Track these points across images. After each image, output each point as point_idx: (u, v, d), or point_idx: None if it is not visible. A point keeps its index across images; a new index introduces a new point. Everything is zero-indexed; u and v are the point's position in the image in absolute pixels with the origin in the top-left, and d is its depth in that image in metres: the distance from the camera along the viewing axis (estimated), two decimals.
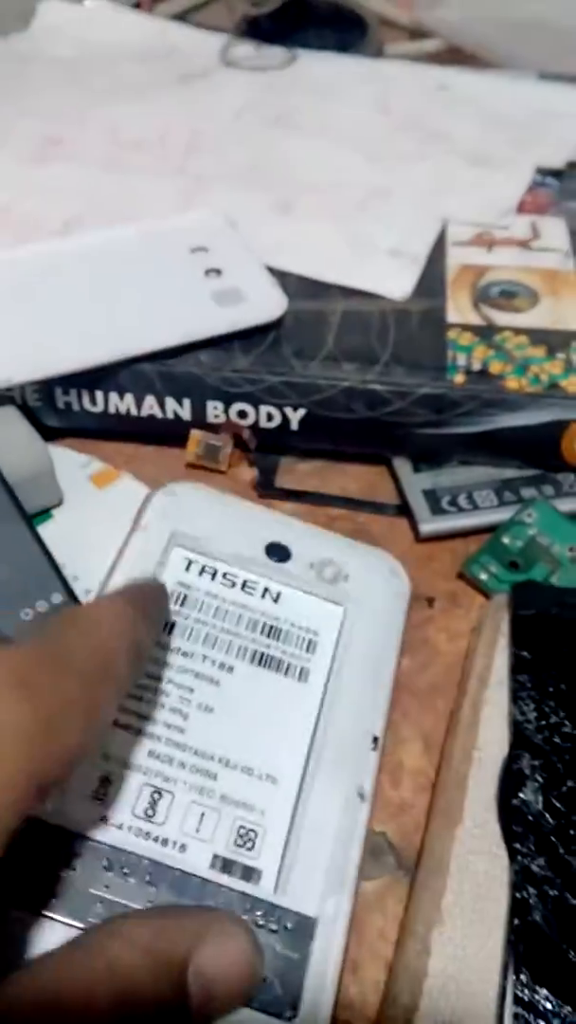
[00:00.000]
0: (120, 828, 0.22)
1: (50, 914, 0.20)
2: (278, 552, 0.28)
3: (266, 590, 0.27)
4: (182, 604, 0.26)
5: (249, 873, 0.22)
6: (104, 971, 0.15)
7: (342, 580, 0.27)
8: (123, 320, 0.34)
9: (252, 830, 0.22)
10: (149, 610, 0.22)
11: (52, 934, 0.20)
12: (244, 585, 0.27)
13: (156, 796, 0.22)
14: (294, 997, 0.20)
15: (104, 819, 0.22)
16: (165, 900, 0.21)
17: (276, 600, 0.27)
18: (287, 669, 0.25)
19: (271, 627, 0.26)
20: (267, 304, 0.34)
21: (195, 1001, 0.16)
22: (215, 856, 0.22)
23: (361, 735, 0.24)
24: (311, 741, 0.24)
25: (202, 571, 0.27)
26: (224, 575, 0.27)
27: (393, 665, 0.26)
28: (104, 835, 0.21)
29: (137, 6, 0.62)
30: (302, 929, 0.21)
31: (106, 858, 0.21)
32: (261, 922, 0.21)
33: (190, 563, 0.27)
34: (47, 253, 0.37)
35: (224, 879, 0.21)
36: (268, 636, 0.26)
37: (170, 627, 0.25)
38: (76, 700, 0.17)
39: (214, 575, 0.27)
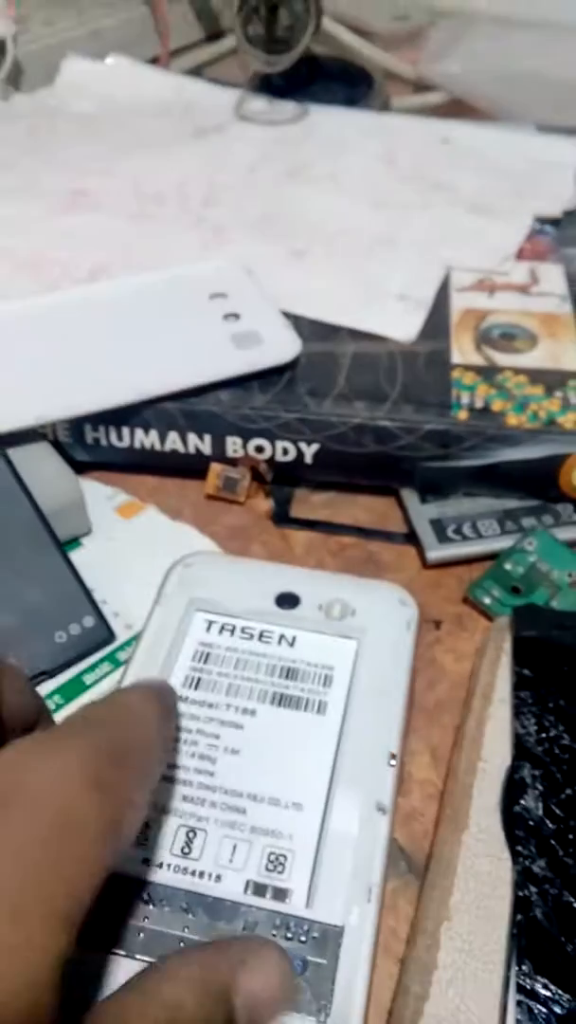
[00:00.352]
0: (160, 867, 0.24)
1: (96, 948, 0.22)
2: (288, 600, 0.30)
3: (281, 636, 0.29)
4: (205, 662, 0.28)
5: (280, 893, 0.23)
6: (161, 1010, 0.17)
7: (350, 616, 0.29)
8: (148, 362, 0.36)
9: (282, 855, 0.24)
10: (171, 709, 0.23)
11: (98, 965, 0.22)
12: (261, 635, 0.29)
13: (191, 835, 0.24)
14: (325, 999, 0.21)
15: (146, 861, 0.24)
16: (201, 924, 0.22)
17: (292, 644, 0.29)
18: (306, 705, 0.27)
19: (288, 669, 0.28)
20: (282, 346, 0.37)
21: (243, 1022, 0.18)
22: (248, 881, 0.23)
23: (379, 753, 0.26)
24: (332, 765, 0.26)
25: (221, 629, 0.29)
26: (242, 629, 0.29)
27: (406, 685, 0.28)
28: (145, 874, 0.23)
29: (155, 62, 0.66)
30: (330, 938, 0.22)
31: (146, 893, 0.23)
32: (291, 935, 0.22)
33: (210, 624, 0.29)
34: (76, 298, 0.39)
35: (257, 901, 0.23)
36: (286, 678, 0.28)
37: (196, 682, 0.28)
38: (134, 799, 0.18)
39: (232, 631, 0.29)
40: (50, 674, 0.29)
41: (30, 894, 0.15)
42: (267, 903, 0.23)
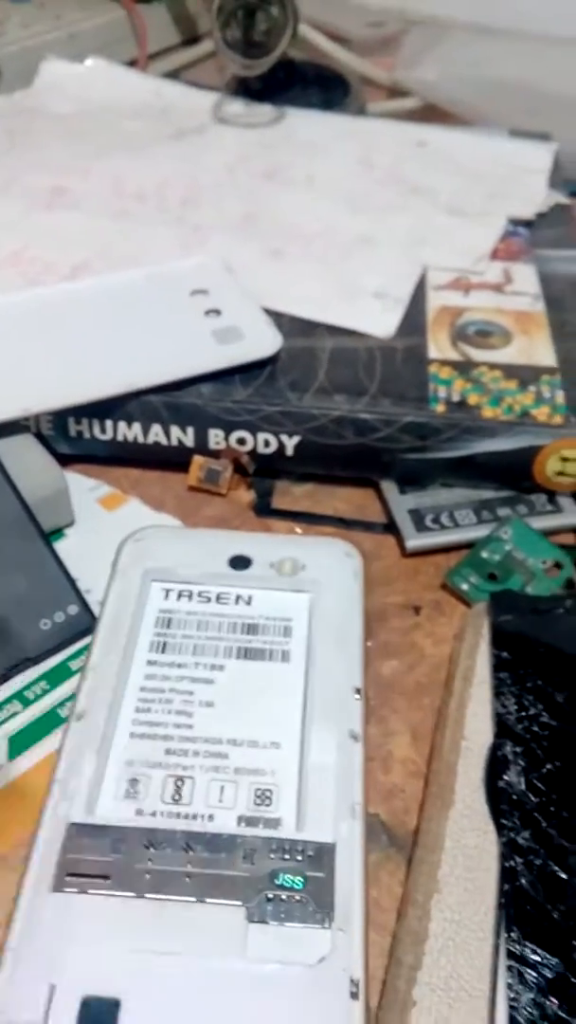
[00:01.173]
0: (154, 815, 0.25)
1: (108, 892, 0.23)
2: (241, 562, 0.32)
3: (238, 596, 0.31)
4: (168, 627, 0.30)
5: (272, 823, 0.25)
6: None
7: (301, 571, 0.31)
8: (130, 356, 0.36)
9: (267, 789, 0.25)
10: None
11: (113, 907, 0.23)
12: (218, 598, 0.31)
13: (179, 783, 0.26)
14: (328, 907, 0.23)
15: (139, 812, 0.25)
16: (202, 858, 0.24)
17: (249, 603, 0.31)
18: (270, 655, 0.29)
19: (249, 625, 0.30)
20: (263, 341, 0.37)
21: None
22: (240, 817, 0.25)
23: (345, 689, 0.28)
24: (303, 705, 0.28)
25: (179, 596, 0.31)
26: (199, 594, 0.31)
27: (360, 628, 0.30)
28: (141, 823, 0.25)
29: (133, 65, 0.67)
30: (324, 853, 0.24)
31: (146, 839, 0.24)
32: (287, 857, 0.24)
33: (167, 592, 0.31)
34: (60, 294, 0.40)
35: (251, 831, 0.24)
36: (248, 633, 0.30)
37: (163, 646, 0.29)
38: None
39: (190, 596, 0.31)
40: (34, 660, 0.30)
41: None
42: (261, 831, 0.24)
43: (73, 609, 0.31)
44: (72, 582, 0.31)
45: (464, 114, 0.62)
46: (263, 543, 0.33)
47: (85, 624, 0.31)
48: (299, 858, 0.24)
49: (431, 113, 0.63)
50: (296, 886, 0.23)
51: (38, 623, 0.30)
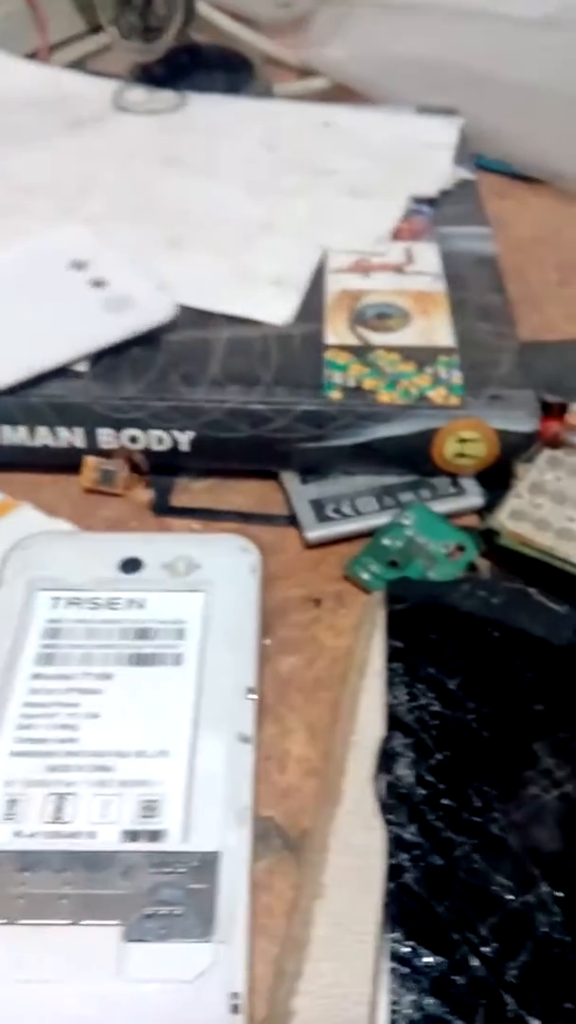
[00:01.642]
0: (32, 836, 0.24)
1: None
2: (131, 565, 0.31)
3: (131, 601, 0.30)
4: (55, 637, 0.29)
5: (155, 835, 0.24)
6: None
7: (195, 570, 0.30)
8: (15, 343, 0.35)
9: (153, 800, 0.25)
10: None
11: None
12: (109, 603, 0.30)
13: (61, 801, 0.25)
14: (209, 920, 0.22)
15: (17, 833, 0.24)
16: (79, 878, 0.23)
17: (142, 606, 0.30)
18: (162, 660, 0.28)
19: (140, 630, 0.29)
20: (157, 307, 0.37)
21: None
22: (124, 832, 0.24)
23: (237, 690, 0.27)
24: (194, 709, 0.27)
25: (68, 604, 0.30)
26: (90, 601, 0.30)
27: (256, 625, 0.29)
28: (16, 846, 0.24)
29: (34, 56, 0.65)
30: (208, 863, 0.23)
31: (21, 863, 0.23)
32: (169, 870, 0.23)
33: (56, 600, 0.30)
34: None
35: (133, 846, 0.24)
36: (139, 638, 0.29)
37: (49, 658, 0.28)
38: None
39: (79, 604, 0.30)
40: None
41: None
42: (143, 846, 0.23)
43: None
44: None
45: (372, 93, 0.61)
46: (155, 543, 0.32)
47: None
48: (182, 869, 0.23)
49: (340, 93, 0.62)
50: (176, 901, 0.22)
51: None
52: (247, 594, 0.30)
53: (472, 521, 0.35)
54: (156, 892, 0.23)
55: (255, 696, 0.27)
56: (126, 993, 0.21)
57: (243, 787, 0.25)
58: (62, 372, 0.35)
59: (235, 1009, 0.21)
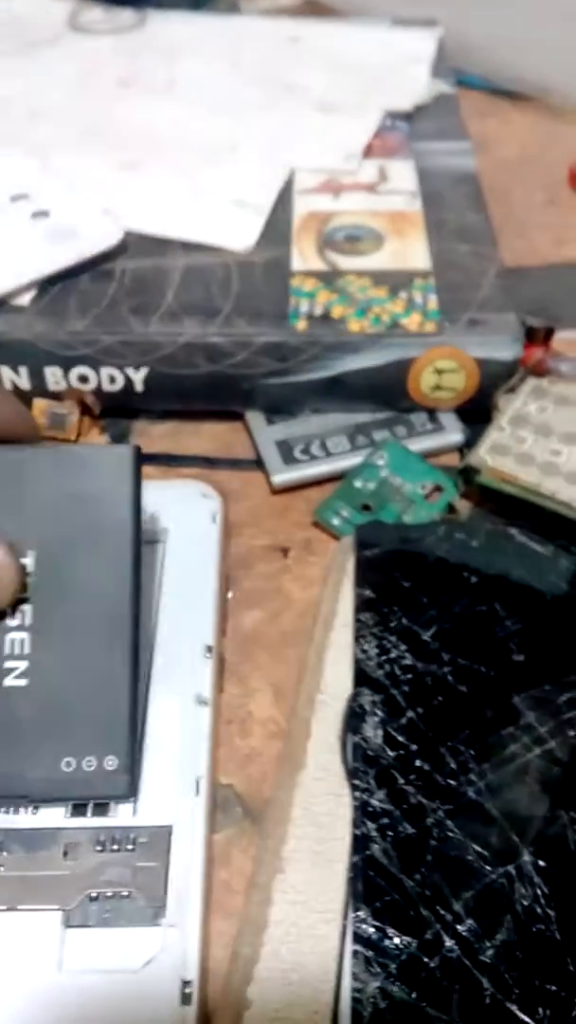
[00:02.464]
0: None
1: None
2: None
3: None
4: None
5: (103, 808, 0.22)
6: None
7: (152, 520, 0.28)
8: None
9: None
10: None
11: None
12: None
13: None
14: (159, 902, 0.20)
15: None
16: (18, 858, 0.21)
17: None
18: None
19: None
20: (103, 233, 0.34)
21: None
22: (68, 805, 0.22)
23: (193, 648, 0.25)
24: (147, 670, 0.24)
25: None
26: None
27: (216, 578, 0.27)
28: None
29: None
30: (158, 839, 0.21)
31: None
32: (117, 847, 0.21)
33: None
34: None
35: (78, 822, 0.21)
36: None
37: None
38: None
39: None
40: (31, 801, 0.22)
41: None
42: (89, 821, 0.21)
43: (111, 763, 0.22)
44: (133, 727, 0.22)
45: (344, 7, 0.57)
46: None
47: (118, 790, 0.21)
48: (130, 846, 0.21)
49: (310, 8, 0.58)
50: (123, 880, 0.20)
51: (61, 759, 0.22)
52: (207, 544, 0.28)
53: (452, 460, 0.32)
54: (101, 872, 0.20)
55: (213, 655, 0.25)
56: (67, 985, 0.19)
57: (199, 754, 0.23)
58: (3, 307, 0.32)
59: (186, 999, 0.19)
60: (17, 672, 0.22)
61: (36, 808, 0.22)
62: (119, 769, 0.21)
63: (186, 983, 0.19)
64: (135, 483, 0.23)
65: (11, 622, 0.22)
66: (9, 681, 0.22)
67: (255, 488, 0.32)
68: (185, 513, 0.28)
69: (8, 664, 0.22)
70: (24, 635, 0.22)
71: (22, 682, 0.22)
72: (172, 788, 0.22)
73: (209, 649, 0.25)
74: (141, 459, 0.23)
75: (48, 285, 0.33)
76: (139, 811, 0.22)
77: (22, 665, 0.22)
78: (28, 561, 0.22)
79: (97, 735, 0.22)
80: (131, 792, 0.21)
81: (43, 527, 0.22)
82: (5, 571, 0.21)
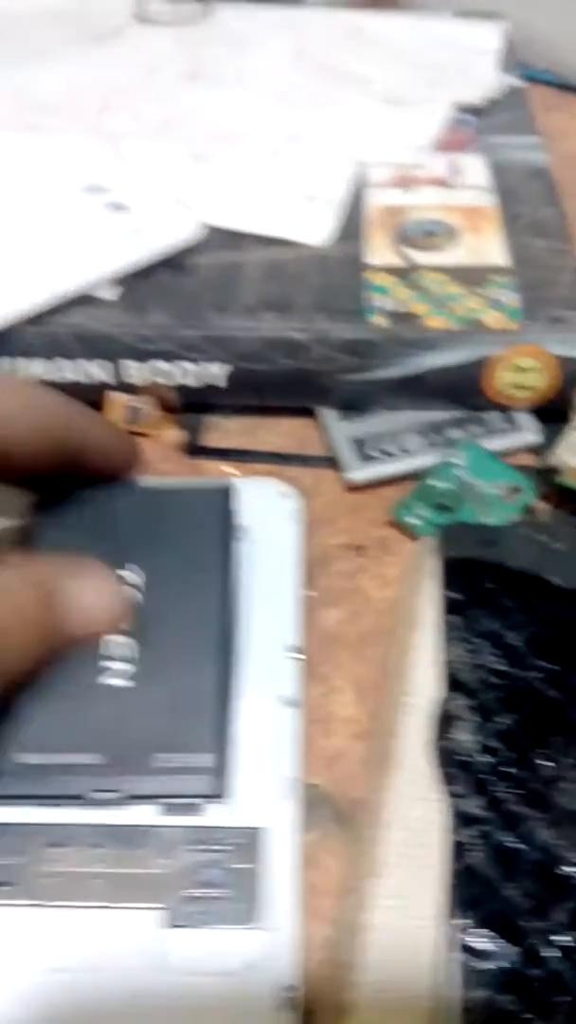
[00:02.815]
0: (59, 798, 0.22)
1: (6, 901, 0.20)
2: None
3: None
4: None
5: (195, 808, 0.21)
6: None
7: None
8: (32, 269, 0.32)
9: None
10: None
11: (13, 918, 0.20)
12: None
13: None
14: (252, 903, 0.20)
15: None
16: (114, 854, 0.21)
17: None
18: None
19: None
20: (182, 226, 0.34)
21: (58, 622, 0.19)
22: (161, 805, 0.22)
23: (279, 648, 0.25)
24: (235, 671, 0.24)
25: None
26: None
27: (298, 577, 0.27)
28: (46, 819, 0.21)
29: None
30: (252, 841, 0.21)
31: (50, 837, 0.21)
32: (211, 848, 0.21)
33: None
34: None
35: (171, 820, 0.21)
36: None
37: None
38: None
39: None
40: (122, 795, 0.21)
41: None
42: (183, 820, 0.21)
43: (204, 761, 0.22)
44: (223, 725, 0.22)
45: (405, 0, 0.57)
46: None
47: (210, 789, 0.21)
48: (225, 848, 0.21)
49: (370, 2, 0.57)
50: (220, 882, 0.20)
51: (150, 756, 0.21)
52: (288, 543, 0.28)
53: (527, 460, 0.32)
54: (197, 872, 0.20)
55: (299, 655, 0.25)
56: (170, 984, 0.19)
57: (289, 756, 0.23)
58: (85, 300, 0.32)
59: (286, 1004, 0.19)
60: (114, 671, 0.22)
61: (129, 805, 0.21)
62: (210, 767, 0.21)
63: (285, 988, 0.19)
64: (227, 518, 0.25)
65: None
66: (107, 680, 0.22)
67: (328, 485, 0.32)
68: (265, 511, 0.28)
69: (106, 664, 0.22)
70: (123, 638, 0.23)
71: (119, 681, 0.22)
72: (264, 790, 0.22)
73: (294, 649, 0.25)
74: (234, 495, 0.25)
75: (126, 278, 0.33)
76: (231, 813, 0.21)
77: (120, 665, 0.22)
78: (132, 587, 0.23)
79: (189, 734, 0.22)
80: (222, 790, 0.21)
81: (144, 555, 0.23)
82: (116, 603, 0.21)
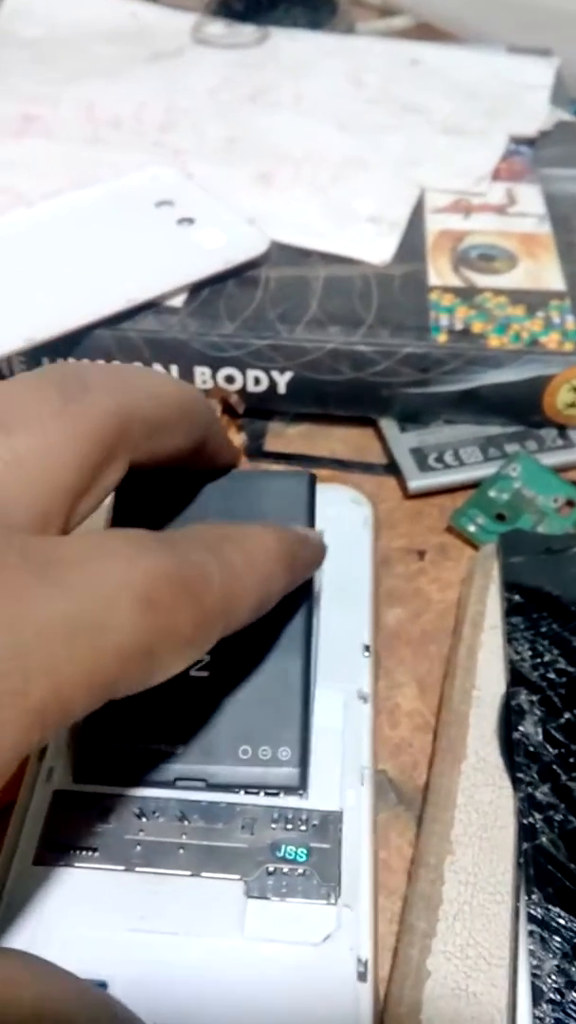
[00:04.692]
0: (148, 784, 0.23)
1: (96, 865, 0.21)
2: None
3: None
4: None
5: (275, 793, 0.22)
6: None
7: None
8: (117, 274, 0.34)
9: None
10: (297, 567, 0.20)
11: (102, 881, 0.21)
12: None
13: None
14: (333, 882, 0.21)
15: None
16: (198, 828, 0.22)
17: None
18: None
19: None
20: (250, 241, 0.36)
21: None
22: (241, 788, 0.22)
23: (352, 646, 0.26)
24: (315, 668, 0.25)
25: None
26: None
27: (370, 581, 0.28)
28: (134, 791, 0.22)
29: None
30: (329, 822, 0.22)
31: (138, 808, 0.22)
32: (290, 827, 0.22)
33: None
34: (16, 221, 0.37)
35: (252, 799, 0.22)
36: None
37: None
38: (184, 636, 0.16)
39: None
40: (208, 785, 0.22)
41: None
42: (262, 799, 0.22)
43: (285, 754, 0.22)
44: (306, 721, 0.23)
45: (458, 32, 0.59)
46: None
47: (291, 781, 0.22)
48: (303, 828, 0.22)
49: (424, 32, 0.59)
50: (299, 859, 0.21)
51: (238, 747, 0.22)
52: (360, 548, 0.28)
53: None
54: (277, 848, 0.21)
55: (371, 654, 0.26)
56: (247, 951, 0.20)
57: (363, 747, 0.24)
58: (158, 308, 0.33)
59: (362, 976, 0.20)
60: (202, 664, 0.23)
61: (212, 791, 0.22)
62: (292, 760, 0.22)
63: (362, 961, 0.20)
64: (311, 505, 0.25)
65: None
66: (195, 672, 0.23)
67: (387, 492, 0.33)
68: (338, 517, 0.29)
69: None
70: None
71: (206, 673, 0.23)
72: (339, 777, 0.23)
73: (367, 648, 0.26)
74: (315, 484, 0.25)
75: (198, 289, 0.34)
76: (311, 796, 0.22)
77: (207, 658, 0.23)
78: None
79: (273, 728, 0.23)
80: (303, 784, 0.22)
81: None
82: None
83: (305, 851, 0.21)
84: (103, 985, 0.19)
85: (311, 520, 0.25)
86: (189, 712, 0.23)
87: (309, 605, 0.24)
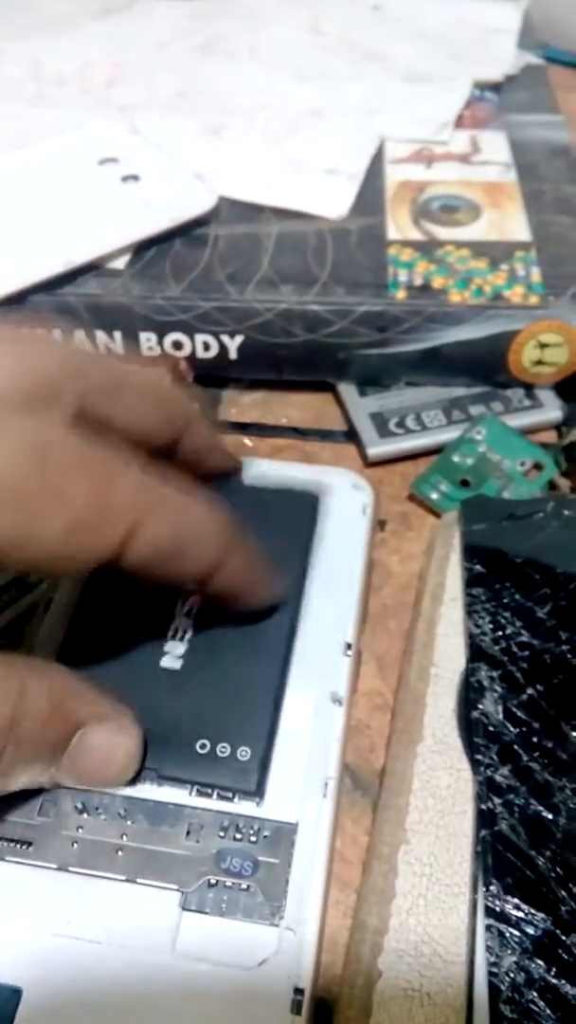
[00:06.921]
0: None
1: (27, 861, 0.20)
2: None
3: None
4: None
5: (228, 796, 0.21)
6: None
7: None
8: (46, 238, 0.32)
9: None
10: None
11: (31, 878, 0.20)
12: None
13: None
14: (278, 901, 0.19)
15: None
16: (141, 829, 0.20)
17: None
18: None
19: None
20: (197, 196, 0.34)
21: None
22: (193, 784, 0.21)
23: (333, 643, 0.24)
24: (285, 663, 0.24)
25: None
26: None
27: (361, 573, 0.25)
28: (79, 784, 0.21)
29: None
30: (282, 835, 0.20)
31: (80, 803, 0.21)
32: (240, 836, 0.20)
33: None
34: None
35: (203, 802, 0.21)
36: None
37: None
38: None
39: None
40: (159, 774, 0.21)
41: None
42: (214, 803, 0.21)
43: (244, 754, 0.21)
44: (272, 726, 0.22)
45: None
46: (264, 471, 0.27)
47: (247, 785, 0.21)
48: (252, 839, 0.20)
49: None
50: (244, 872, 0.20)
51: (196, 741, 0.22)
52: (355, 539, 0.26)
53: (549, 437, 0.32)
54: (222, 859, 0.20)
55: (352, 653, 0.24)
56: (178, 969, 0.18)
57: (330, 754, 0.22)
58: (99, 271, 0.32)
59: (297, 1008, 0.18)
60: (174, 654, 0.23)
61: (162, 783, 0.21)
62: (251, 762, 0.21)
63: (298, 991, 0.18)
64: (314, 524, 0.25)
65: (179, 609, 0.24)
66: (166, 662, 0.22)
67: (347, 460, 0.31)
68: (334, 503, 0.27)
69: (168, 647, 0.23)
70: (188, 621, 0.23)
71: (177, 664, 0.22)
72: (300, 786, 0.21)
73: (348, 646, 0.24)
74: (318, 506, 0.26)
75: (142, 249, 0.32)
76: (267, 803, 0.21)
77: (180, 648, 0.23)
78: None
79: (236, 726, 0.22)
80: (258, 790, 0.21)
81: None
82: (125, 767, 0.21)
83: (252, 864, 0.20)
84: (17, 992, 0.18)
85: (308, 544, 0.25)
86: (153, 701, 0.22)
87: (296, 605, 0.24)
